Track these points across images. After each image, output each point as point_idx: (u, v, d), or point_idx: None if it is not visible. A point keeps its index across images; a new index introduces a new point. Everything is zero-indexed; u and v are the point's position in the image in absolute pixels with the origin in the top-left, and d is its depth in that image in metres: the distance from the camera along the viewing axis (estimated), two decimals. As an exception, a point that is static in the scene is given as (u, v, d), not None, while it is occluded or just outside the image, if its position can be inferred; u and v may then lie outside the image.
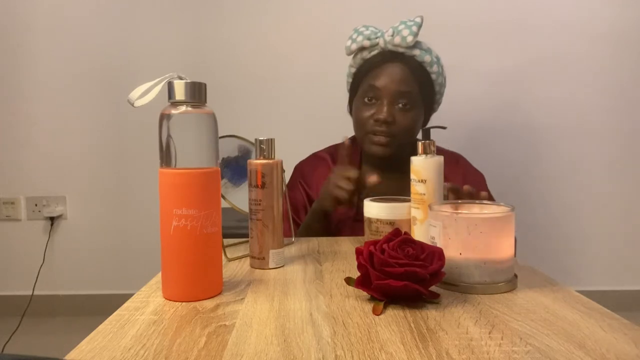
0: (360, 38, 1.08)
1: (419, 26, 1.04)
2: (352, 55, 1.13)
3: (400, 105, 1.05)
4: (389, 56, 1.06)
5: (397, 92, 1.04)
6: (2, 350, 1.63)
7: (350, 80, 1.16)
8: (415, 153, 0.73)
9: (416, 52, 1.06)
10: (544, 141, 1.80)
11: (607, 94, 1.79)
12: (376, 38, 1.07)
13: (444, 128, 0.79)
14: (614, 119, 1.80)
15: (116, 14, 1.81)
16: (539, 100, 1.79)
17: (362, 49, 1.09)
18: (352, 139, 1.18)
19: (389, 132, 1.05)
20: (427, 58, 1.07)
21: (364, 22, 1.12)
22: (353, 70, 1.14)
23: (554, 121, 1.79)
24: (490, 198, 1.12)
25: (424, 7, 1.74)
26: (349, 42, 1.10)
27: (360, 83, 1.11)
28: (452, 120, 1.75)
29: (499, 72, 1.78)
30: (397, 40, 1.04)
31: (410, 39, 1.03)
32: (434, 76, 1.09)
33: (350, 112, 1.18)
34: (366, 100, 1.07)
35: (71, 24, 1.81)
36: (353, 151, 1.14)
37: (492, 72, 1.78)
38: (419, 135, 0.78)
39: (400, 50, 1.05)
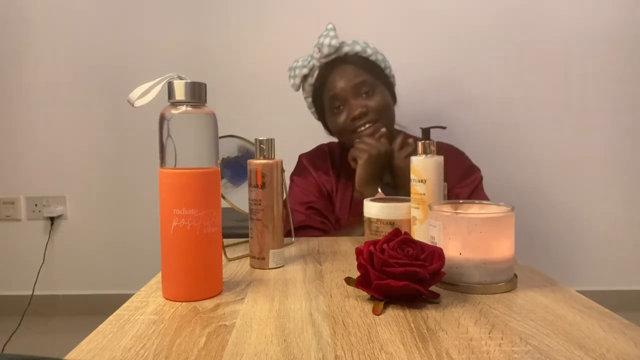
0: (298, 71, 1.18)
1: (334, 29, 1.14)
2: (300, 89, 1.21)
3: (363, 95, 1.12)
4: (328, 67, 1.14)
5: (354, 85, 1.11)
6: (2, 350, 1.63)
7: (313, 109, 1.24)
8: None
9: (346, 49, 1.15)
10: (544, 140, 1.80)
11: (607, 93, 1.79)
12: (310, 62, 1.17)
13: (444, 128, 0.80)
14: (614, 119, 1.80)
15: (116, 14, 1.81)
16: (538, 99, 1.79)
17: (304, 78, 1.18)
18: (331, 145, 1.24)
19: (368, 120, 1.11)
20: (357, 47, 1.15)
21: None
22: (310, 99, 1.22)
23: (554, 121, 1.79)
24: (484, 197, 1.15)
25: (422, 6, 1.75)
26: (291, 81, 1.20)
27: (323, 103, 1.18)
28: (451, 118, 1.76)
29: (497, 72, 1.78)
30: (325, 50, 1.13)
31: (334, 42, 1.13)
32: (372, 57, 1.16)
33: (331, 133, 1.24)
34: (335, 110, 1.15)
35: (71, 24, 1.81)
36: (333, 158, 1.22)
37: (491, 71, 1.78)
38: (419, 135, 0.78)
39: (333, 57, 1.14)
